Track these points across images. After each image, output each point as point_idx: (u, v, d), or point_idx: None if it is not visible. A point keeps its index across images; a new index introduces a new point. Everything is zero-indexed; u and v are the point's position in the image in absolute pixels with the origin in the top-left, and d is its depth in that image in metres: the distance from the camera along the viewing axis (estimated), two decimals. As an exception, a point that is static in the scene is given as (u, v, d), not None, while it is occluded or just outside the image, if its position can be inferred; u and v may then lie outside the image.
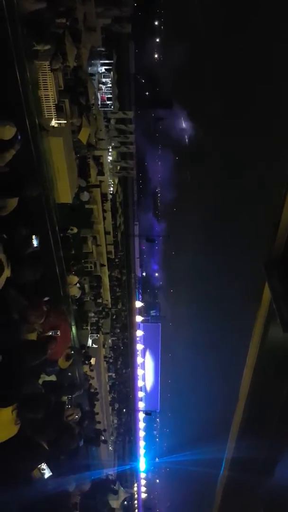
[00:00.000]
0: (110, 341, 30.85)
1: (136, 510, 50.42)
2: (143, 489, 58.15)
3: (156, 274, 79.71)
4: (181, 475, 61.86)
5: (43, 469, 4.92)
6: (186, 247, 63.68)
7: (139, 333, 53.82)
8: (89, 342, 21.49)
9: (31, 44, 9.62)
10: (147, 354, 61.60)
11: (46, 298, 5.24)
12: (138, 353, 52.89)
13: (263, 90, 41.83)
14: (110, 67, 25.56)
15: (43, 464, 4.84)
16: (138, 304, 52.70)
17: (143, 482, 58.25)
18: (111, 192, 27.73)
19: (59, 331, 5.34)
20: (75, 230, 14.89)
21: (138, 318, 51.10)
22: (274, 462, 11.06)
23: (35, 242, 5.07)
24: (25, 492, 4.16)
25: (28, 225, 5.29)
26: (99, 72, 24.46)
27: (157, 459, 69.63)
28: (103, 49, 23.56)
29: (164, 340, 65.49)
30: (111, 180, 27.76)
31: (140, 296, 61.99)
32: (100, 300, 23.49)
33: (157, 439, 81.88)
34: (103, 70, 25.22)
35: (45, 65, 11.33)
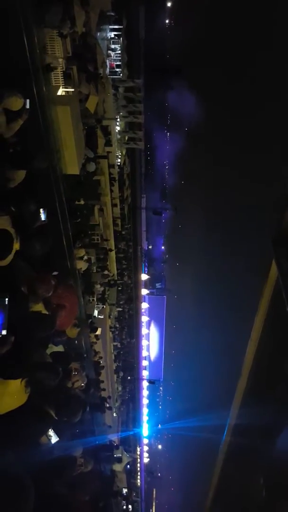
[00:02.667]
0: (116, 312, 31.31)
1: (139, 473, 52.71)
2: (145, 454, 60.49)
3: (162, 247, 79.75)
4: (182, 441, 64.32)
5: (50, 435, 5.15)
6: (193, 220, 63.29)
7: (145, 305, 54.40)
8: (95, 313, 21.84)
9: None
10: (152, 325, 62.51)
11: (55, 273, 5.30)
12: (143, 324, 53.68)
13: (276, 55, 40.15)
14: (120, 33, 24.59)
15: (50, 430, 5.07)
16: (144, 276, 52.96)
17: (145, 448, 60.51)
18: (119, 163, 27.34)
19: (65, 305, 5.43)
20: (82, 202, 14.83)
21: (144, 291, 51.52)
22: (276, 430, 11.41)
23: (42, 216, 5.08)
24: (33, 456, 4.38)
25: (36, 197, 5.28)
26: (108, 38, 23.57)
27: (159, 426, 72.23)
28: (112, 13, 22.58)
29: (169, 312, 66.37)
30: (118, 151, 27.31)
31: (146, 269, 62.24)
32: (106, 272, 23.68)
33: (160, 407, 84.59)
34: (112, 36, 24.29)
35: (53, 30, 10.95)
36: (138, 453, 52.26)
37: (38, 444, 4.84)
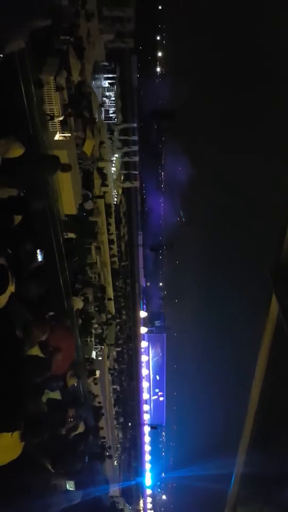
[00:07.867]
0: (114, 352, 30.60)
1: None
2: (149, 505, 56.90)
3: (161, 284, 79.46)
4: (188, 490, 60.71)
5: (66, 485, 4.82)
6: (190, 256, 63.51)
7: (144, 344, 53.38)
8: (93, 354, 21.29)
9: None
10: (152, 365, 61.00)
11: (50, 313, 5.16)
12: (143, 364, 52.39)
13: (266, 94, 41.85)
14: (114, 81, 25.87)
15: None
16: (143, 314, 52.36)
17: (149, 499, 57.01)
18: (115, 202, 27.84)
19: (62, 348, 5.25)
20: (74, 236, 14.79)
21: (143, 329, 50.75)
22: (286, 479, 10.73)
23: (39, 257, 5.01)
24: (34, 508, 4.07)
25: (33, 239, 5.24)
26: (102, 86, 24.76)
27: (163, 474, 68.39)
28: (106, 63, 23.92)
29: (170, 351, 64.99)
30: (115, 191, 27.88)
31: (145, 306, 61.64)
32: (104, 313, 23.37)
33: (163, 454, 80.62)
34: (107, 84, 25.54)
35: (50, 79, 11.46)
36: (141, 505, 49.21)
37: (34, 498, 4.51)
